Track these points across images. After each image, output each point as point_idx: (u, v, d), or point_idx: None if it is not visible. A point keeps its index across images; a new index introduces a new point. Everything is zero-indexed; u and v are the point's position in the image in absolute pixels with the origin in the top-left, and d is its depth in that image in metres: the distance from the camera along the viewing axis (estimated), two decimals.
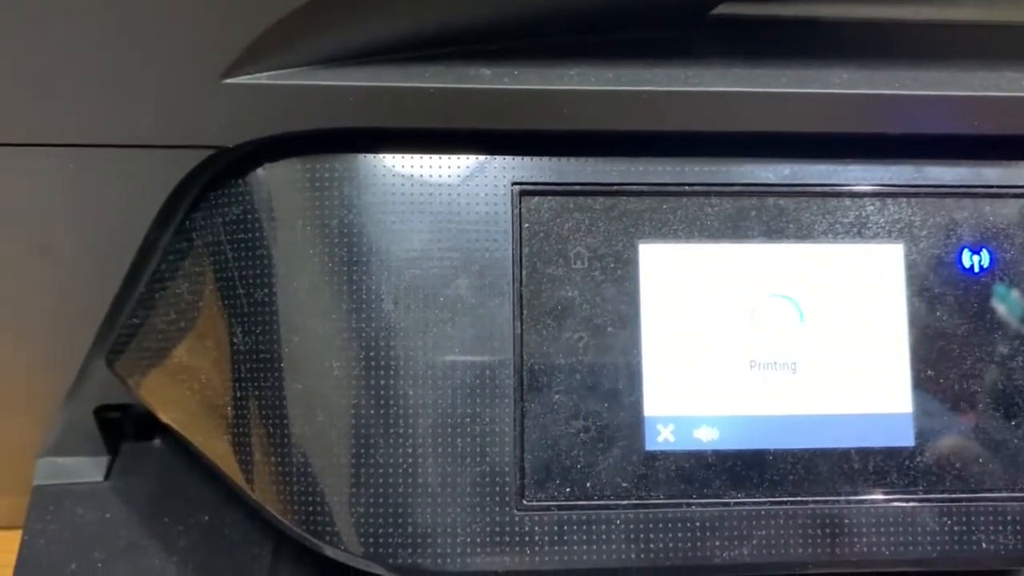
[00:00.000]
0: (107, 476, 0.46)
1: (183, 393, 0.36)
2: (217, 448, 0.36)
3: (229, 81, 0.30)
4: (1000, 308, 0.35)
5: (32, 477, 0.46)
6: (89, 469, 0.46)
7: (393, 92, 0.31)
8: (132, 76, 0.30)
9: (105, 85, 0.31)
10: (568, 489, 0.33)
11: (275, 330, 0.33)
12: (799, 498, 0.34)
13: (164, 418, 0.39)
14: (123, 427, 0.47)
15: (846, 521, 0.34)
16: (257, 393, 0.34)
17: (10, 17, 0.29)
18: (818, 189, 0.35)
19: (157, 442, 0.46)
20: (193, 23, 0.29)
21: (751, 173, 0.35)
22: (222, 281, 0.35)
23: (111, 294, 0.37)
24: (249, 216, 0.34)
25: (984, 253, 0.35)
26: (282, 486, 0.34)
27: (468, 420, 0.33)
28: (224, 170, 0.34)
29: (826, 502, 0.34)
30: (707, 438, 0.34)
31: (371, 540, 0.33)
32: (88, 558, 0.42)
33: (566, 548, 0.33)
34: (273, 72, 0.30)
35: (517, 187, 0.34)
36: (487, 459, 0.33)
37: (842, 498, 0.34)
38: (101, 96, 0.31)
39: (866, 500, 0.34)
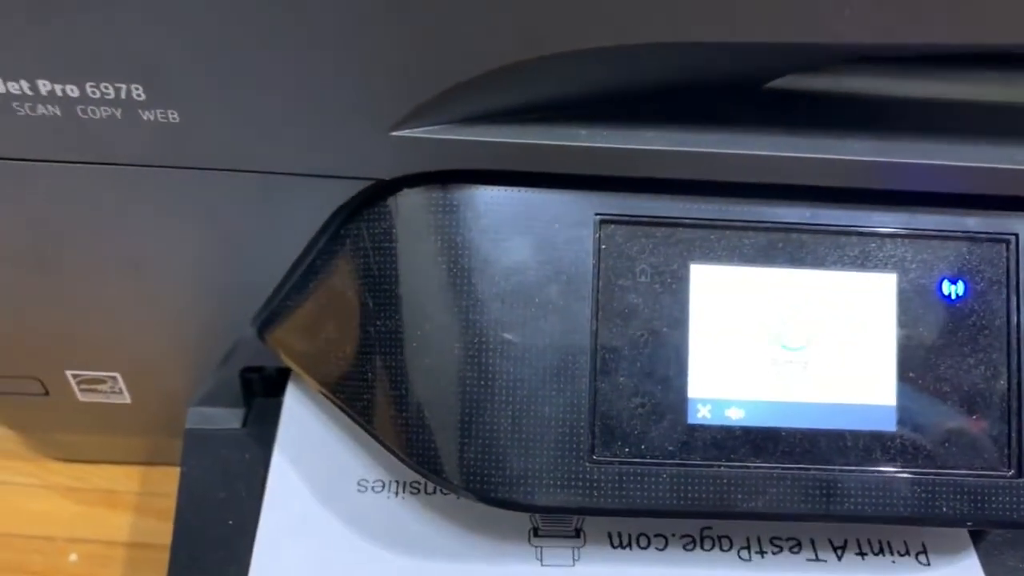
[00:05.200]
0: (244, 424, 0.51)
1: (329, 362, 0.44)
2: (356, 405, 0.43)
3: (395, 134, 0.36)
4: (970, 328, 0.41)
5: (184, 423, 0.51)
6: (229, 418, 0.51)
7: (511, 146, 0.38)
8: (320, 123, 0.36)
9: (294, 125, 0.36)
10: (627, 449, 0.39)
11: (409, 318, 0.41)
12: (803, 466, 0.39)
13: (311, 382, 0.46)
14: (255, 386, 0.52)
15: (839, 486, 0.39)
16: (392, 364, 0.41)
17: (240, 64, 0.34)
18: (832, 228, 0.40)
19: (284, 399, 0.49)
20: (376, 88, 0.35)
21: (781, 214, 0.40)
22: (367, 277, 0.42)
23: (273, 287, 0.45)
24: (392, 229, 0.41)
25: (960, 284, 0.41)
26: (407, 434, 0.41)
27: (554, 392, 0.39)
28: (375, 193, 0.42)
29: (824, 470, 0.39)
30: (735, 416, 0.40)
31: (475, 478, 0.40)
32: (234, 489, 0.48)
33: (625, 494, 0.39)
34: (426, 128, 0.37)
35: (599, 217, 0.40)
36: (567, 423, 0.39)
37: (836, 468, 0.39)
38: (289, 133, 0.36)
39: (855, 471, 0.39)
